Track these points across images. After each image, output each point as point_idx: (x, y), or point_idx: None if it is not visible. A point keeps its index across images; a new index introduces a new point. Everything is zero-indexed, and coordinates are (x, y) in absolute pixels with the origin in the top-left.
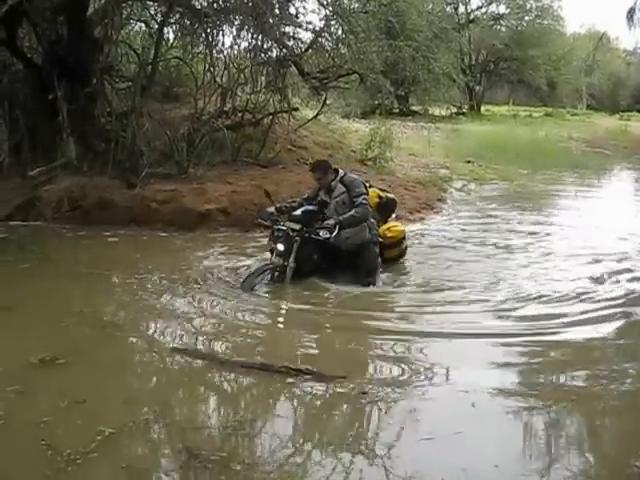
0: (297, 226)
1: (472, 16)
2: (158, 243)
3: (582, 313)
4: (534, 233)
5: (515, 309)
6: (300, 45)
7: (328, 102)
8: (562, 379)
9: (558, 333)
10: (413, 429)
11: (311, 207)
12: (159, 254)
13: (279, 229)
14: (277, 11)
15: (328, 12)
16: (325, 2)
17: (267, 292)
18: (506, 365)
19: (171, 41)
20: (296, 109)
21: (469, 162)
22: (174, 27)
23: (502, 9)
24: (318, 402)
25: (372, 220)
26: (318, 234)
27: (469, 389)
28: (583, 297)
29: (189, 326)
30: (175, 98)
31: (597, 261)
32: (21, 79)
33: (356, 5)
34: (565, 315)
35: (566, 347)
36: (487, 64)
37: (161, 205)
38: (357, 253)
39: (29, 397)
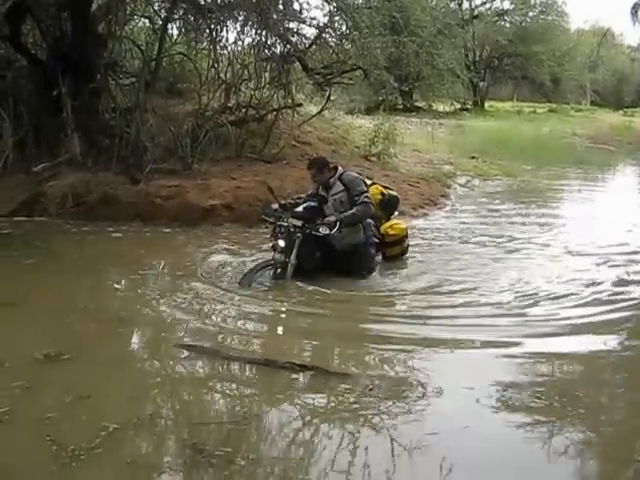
0: (299, 222)
1: (476, 12)
2: (162, 239)
3: (591, 315)
4: (539, 229)
5: (520, 308)
6: (304, 41)
7: (332, 98)
8: (569, 379)
9: (566, 334)
10: (417, 424)
11: (313, 203)
12: (163, 250)
13: (281, 225)
14: (281, 7)
15: (332, 8)
16: None
17: (268, 289)
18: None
19: (175, 37)
20: (300, 105)
21: (473, 158)
22: (178, 23)
23: (506, 5)
24: (322, 398)
25: (369, 220)
26: (318, 230)
27: (474, 386)
28: (591, 297)
29: (193, 322)
30: (179, 94)
31: (604, 256)
32: (25, 75)
33: (360, 1)
34: (573, 316)
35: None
36: (491, 60)
37: (165, 201)
38: (351, 254)
39: (34, 392)
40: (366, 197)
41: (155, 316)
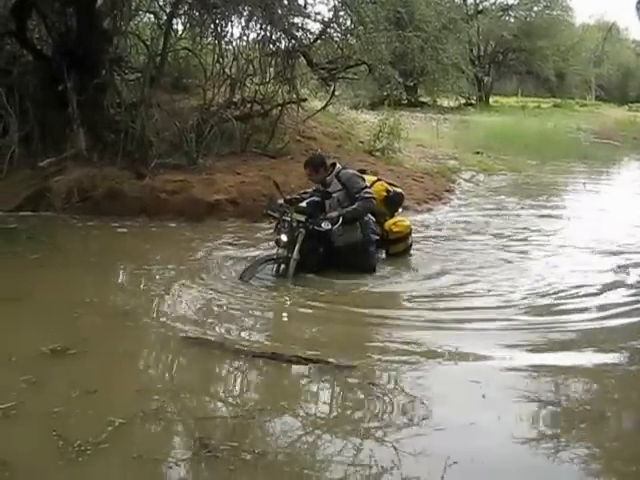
0: (302, 218)
1: (481, 7)
2: (167, 233)
3: (599, 309)
4: (544, 224)
5: (524, 305)
6: (309, 36)
7: (337, 93)
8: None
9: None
10: (424, 418)
11: (317, 199)
12: (168, 244)
13: (284, 220)
14: (286, 2)
15: (337, 3)
16: None
17: (272, 283)
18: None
19: (180, 32)
20: (305, 100)
21: (478, 153)
22: (183, 18)
23: (511, 0)
24: (328, 391)
25: (367, 218)
26: (320, 225)
27: (481, 380)
28: (598, 293)
29: (198, 316)
30: (184, 89)
31: (612, 252)
32: (31, 70)
33: None
34: (579, 311)
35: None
36: (496, 55)
37: (170, 195)
38: (349, 252)
39: (41, 387)
40: (366, 192)
41: (160, 310)
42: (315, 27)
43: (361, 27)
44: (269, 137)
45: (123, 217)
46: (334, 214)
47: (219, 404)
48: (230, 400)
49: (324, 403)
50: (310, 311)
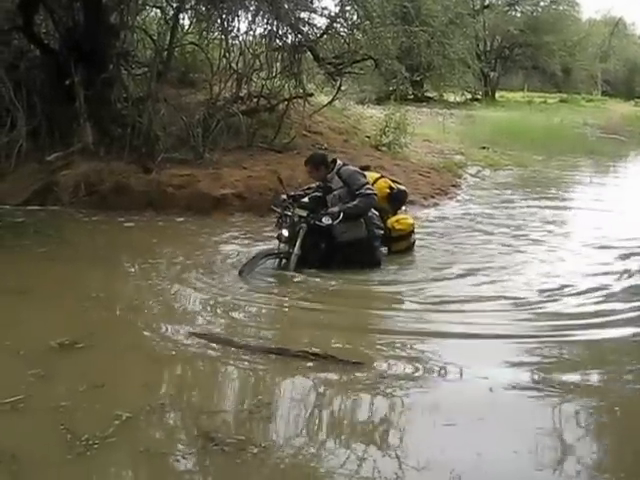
0: (304, 213)
1: (487, 1)
2: (174, 228)
3: (609, 312)
4: (550, 219)
5: (530, 302)
6: (315, 31)
7: (343, 88)
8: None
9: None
10: (432, 414)
11: (319, 194)
12: (175, 239)
13: (286, 215)
14: None
15: None
16: None
17: (272, 279)
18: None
19: (187, 27)
20: (311, 95)
21: (484, 148)
22: (189, 13)
23: None
24: (335, 387)
25: (371, 214)
26: (321, 220)
27: (488, 376)
28: (607, 292)
29: (205, 311)
30: (191, 84)
31: (619, 249)
32: (38, 65)
33: None
34: (586, 314)
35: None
36: (502, 50)
37: (177, 190)
38: (353, 248)
39: (49, 381)
40: (367, 189)
41: (167, 305)
42: (322, 22)
43: (368, 22)
44: (275, 132)
45: (130, 211)
46: (335, 209)
47: (225, 398)
48: (237, 394)
49: (331, 398)
50: (316, 306)
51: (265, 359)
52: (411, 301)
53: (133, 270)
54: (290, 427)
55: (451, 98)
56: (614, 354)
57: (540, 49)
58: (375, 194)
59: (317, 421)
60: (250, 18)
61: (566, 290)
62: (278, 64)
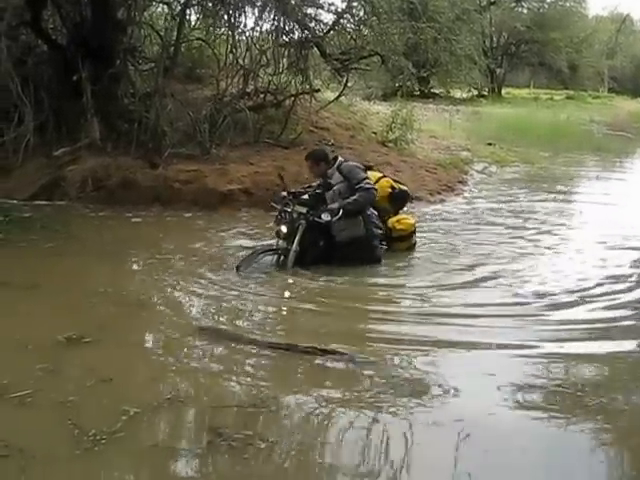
0: (303, 209)
1: None
2: (181, 223)
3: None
4: (556, 215)
5: (535, 301)
6: (322, 26)
7: (349, 84)
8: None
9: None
10: (442, 411)
11: (319, 191)
12: (182, 234)
13: (285, 211)
14: None
15: None
16: None
17: (268, 276)
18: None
19: (193, 23)
20: (318, 90)
21: (490, 144)
22: (196, 9)
23: None
24: (344, 382)
25: (369, 212)
26: (320, 217)
27: (496, 373)
28: (614, 295)
29: (212, 306)
30: (198, 79)
31: (625, 245)
32: (46, 60)
33: None
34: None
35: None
36: (508, 46)
37: (184, 185)
38: (351, 246)
39: (56, 375)
40: (367, 183)
41: (174, 300)
42: (328, 18)
43: (374, 18)
44: (282, 127)
45: (137, 206)
46: (334, 206)
47: (233, 393)
48: (244, 389)
49: (339, 394)
50: (320, 304)
51: (273, 354)
52: (414, 299)
53: (140, 265)
54: (298, 423)
55: (457, 94)
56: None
57: (546, 46)
58: (375, 188)
59: (325, 417)
60: (257, 14)
61: (576, 294)
62: (285, 60)
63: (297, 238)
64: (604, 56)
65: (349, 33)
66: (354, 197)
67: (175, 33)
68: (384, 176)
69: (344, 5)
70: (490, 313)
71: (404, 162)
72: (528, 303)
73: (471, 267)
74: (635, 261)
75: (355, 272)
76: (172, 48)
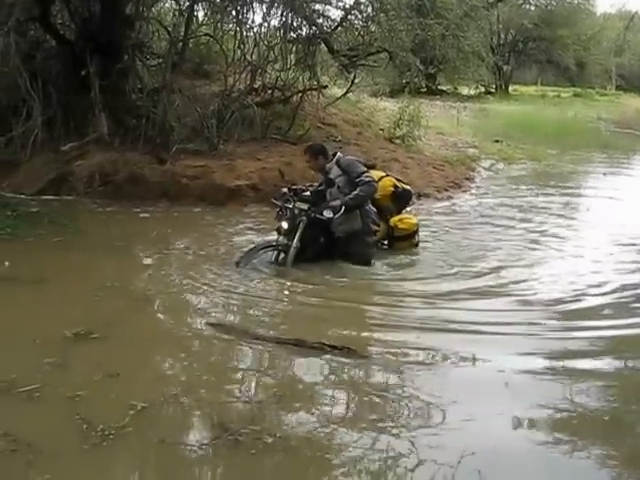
0: (305, 206)
1: None
2: (188, 218)
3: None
4: (564, 213)
5: (541, 299)
6: (330, 23)
7: (357, 80)
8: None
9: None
10: (449, 405)
11: (321, 188)
12: (190, 229)
13: (286, 208)
14: None
15: None
16: None
17: (269, 272)
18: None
19: (201, 18)
20: (325, 87)
21: (497, 141)
22: (204, 4)
23: None
24: (352, 378)
25: (368, 208)
26: (322, 214)
27: (504, 369)
28: (621, 292)
29: (220, 301)
30: (205, 75)
31: (634, 245)
32: (54, 55)
33: None
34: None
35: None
36: (516, 44)
37: (191, 181)
38: (348, 240)
39: (64, 370)
40: (367, 176)
41: (182, 295)
42: (336, 14)
43: (382, 14)
44: (290, 123)
45: (144, 202)
46: (336, 203)
47: (241, 389)
48: (252, 385)
49: (347, 389)
50: (323, 303)
51: (281, 350)
52: (422, 295)
53: (148, 260)
54: (305, 418)
55: (464, 91)
56: None
57: (554, 43)
58: (375, 181)
59: (332, 412)
60: (265, 10)
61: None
62: (292, 56)
63: (298, 234)
64: (612, 53)
65: (357, 29)
66: (355, 192)
67: (183, 29)
68: (387, 175)
69: (352, 1)
70: (497, 320)
71: (411, 159)
72: (538, 310)
73: (477, 266)
74: None
75: (361, 270)
76: (180, 44)
